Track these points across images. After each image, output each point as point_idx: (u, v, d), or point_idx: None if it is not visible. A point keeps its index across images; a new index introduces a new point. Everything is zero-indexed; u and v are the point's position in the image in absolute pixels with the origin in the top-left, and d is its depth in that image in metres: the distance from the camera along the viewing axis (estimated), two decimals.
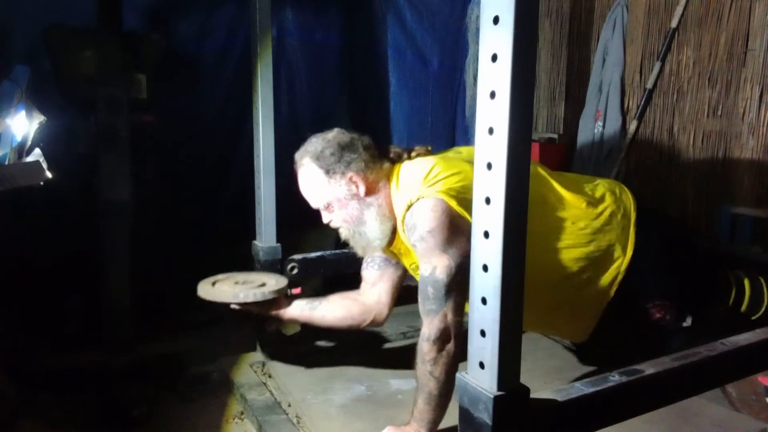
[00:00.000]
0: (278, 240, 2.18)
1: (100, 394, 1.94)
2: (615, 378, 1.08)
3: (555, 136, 3.86)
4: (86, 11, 2.15)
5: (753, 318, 1.88)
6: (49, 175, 2.00)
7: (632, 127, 3.41)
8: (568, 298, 1.70)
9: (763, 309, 1.88)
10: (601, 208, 1.73)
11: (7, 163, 2.03)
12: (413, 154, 1.72)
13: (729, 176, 3.04)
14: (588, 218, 1.69)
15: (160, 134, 2.56)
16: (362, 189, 1.64)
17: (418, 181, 1.52)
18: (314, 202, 1.72)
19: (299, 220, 2.41)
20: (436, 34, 3.54)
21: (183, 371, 2.14)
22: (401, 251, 1.73)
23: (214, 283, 1.91)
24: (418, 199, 1.49)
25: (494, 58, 0.82)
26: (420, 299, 1.48)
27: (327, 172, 1.65)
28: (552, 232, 1.64)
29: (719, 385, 1.75)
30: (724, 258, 2.23)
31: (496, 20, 0.81)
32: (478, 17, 3.45)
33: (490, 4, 0.82)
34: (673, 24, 3.18)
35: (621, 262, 1.69)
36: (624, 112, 3.49)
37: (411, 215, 1.51)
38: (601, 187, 1.82)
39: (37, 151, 2.11)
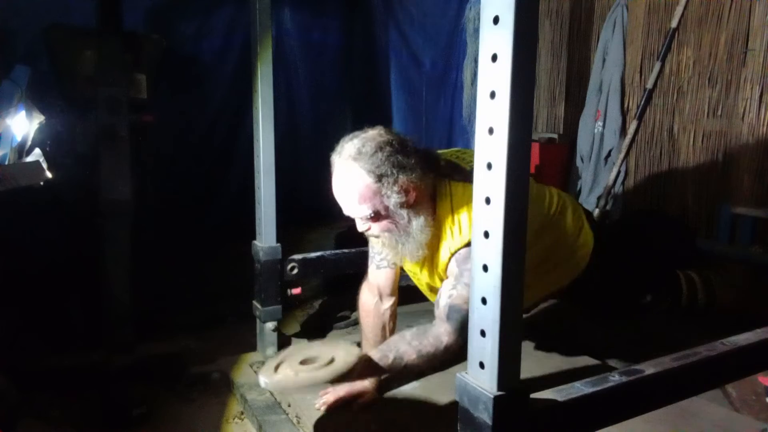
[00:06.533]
0: (278, 240, 2.18)
1: (100, 394, 1.94)
2: (615, 378, 1.08)
3: (555, 136, 3.86)
4: (86, 11, 2.15)
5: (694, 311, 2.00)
6: (49, 175, 2.00)
7: (632, 127, 3.41)
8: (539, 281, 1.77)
9: (703, 302, 1.97)
10: (547, 202, 1.78)
11: (7, 163, 2.03)
12: (456, 176, 1.60)
13: (729, 176, 3.04)
14: (541, 213, 1.74)
15: (160, 134, 2.56)
16: (413, 197, 1.51)
17: None
18: (355, 211, 1.53)
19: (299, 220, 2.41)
20: (427, 35, 3.56)
21: (183, 371, 2.14)
22: (423, 265, 1.70)
23: (277, 368, 1.60)
24: None
25: (494, 58, 0.82)
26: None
27: (378, 178, 1.47)
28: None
29: (719, 385, 1.75)
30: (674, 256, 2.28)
31: (496, 20, 0.81)
32: (476, 17, 3.46)
33: (490, 4, 0.82)
34: (673, 24, 3.18)
35: (585, 252, 1.79)
36: (624, 112, 3.49)
37: (469, 251, 1.49)
38: (542, 186, 1.87)
39: (37, 151, 2.11)
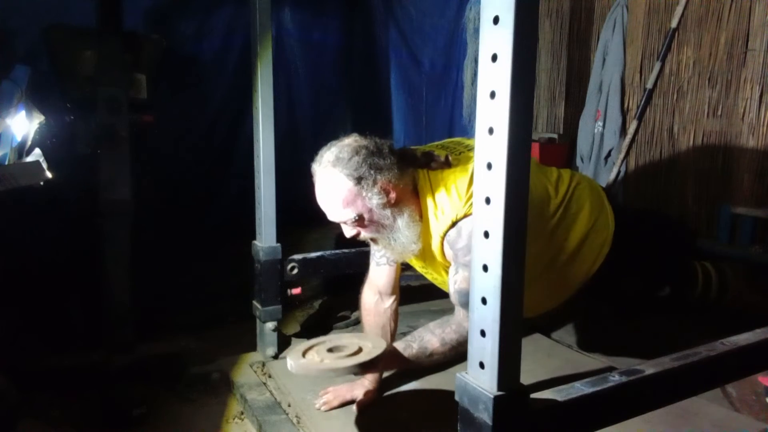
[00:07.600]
0: (278, 240, 2.18)
1: (100, 394, 1.94)
2: (615, 378, 1.08)
3: (555, 136, 3.86)
4: (86, 11, 2.15)
5: (706, 303, 1.96)
6: (49, 175, 2.00)
7: (632, 127, 3.41)
8: (555, 277, 1.76)
9: (714, 295, 1.94)
10: (561, 191, 1.77)
11: (7, 163, 2.03)
12: (433, 164, 1.62)
13: (729, 176, 3.04)
14: (554, 205, 1.73)
15: (160, 134, 2.56)
16: (393, 196, 1.54)
17: (461, 197, 1.51)
18: (340, 216, 1.55)
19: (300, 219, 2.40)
20: (426, 35, 3.57)
21: (183, 371, 2.14)
22: (426, 261, 1.73)
23: (305, 353, 1.62)
24: (464, 216, 1.50)
25: (494, 58, 0.82)
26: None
27: (358, 181, 1.50)
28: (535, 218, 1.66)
29: (719, 385, 1.75)
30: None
31: (496, 20, 0.81)
32: (476, 17, 3.46)
33: (490, 4, 0.82)
34: (673, 24, 3.18)
35: (607, 235, 1.76)
36: (624, 112, 3.49)
37: (456, 230, 1.52)
38: (554, 170, 1.86)
39: (37, 151, 2.11)
